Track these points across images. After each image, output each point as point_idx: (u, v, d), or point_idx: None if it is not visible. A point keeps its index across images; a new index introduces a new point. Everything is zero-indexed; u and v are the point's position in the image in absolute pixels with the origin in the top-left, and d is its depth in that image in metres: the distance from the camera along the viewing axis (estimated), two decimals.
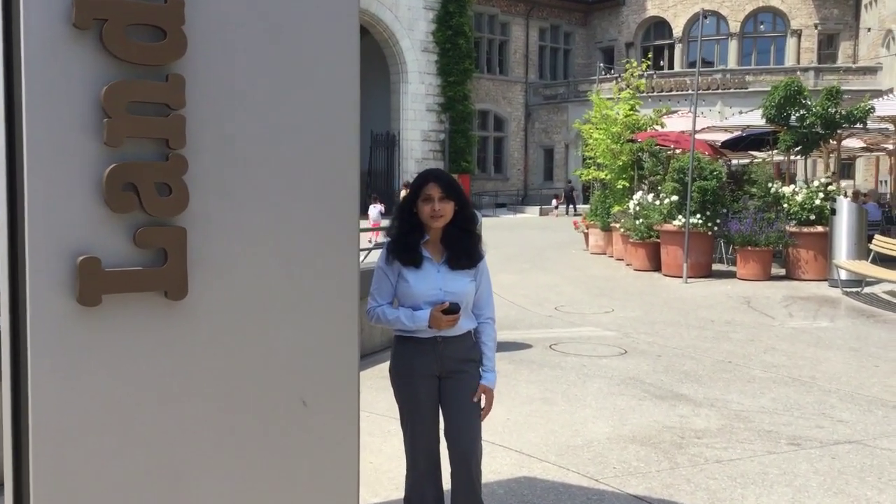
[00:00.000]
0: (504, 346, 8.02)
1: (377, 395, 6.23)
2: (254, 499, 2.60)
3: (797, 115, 13.54)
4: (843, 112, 13.34)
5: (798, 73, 34.68)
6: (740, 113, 25.85)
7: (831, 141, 14.57)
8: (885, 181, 30.24)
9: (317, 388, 2.72)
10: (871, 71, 36.87)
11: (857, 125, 13.59)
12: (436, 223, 3.29)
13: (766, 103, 14.04)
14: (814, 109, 13.41)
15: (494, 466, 4.77)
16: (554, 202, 40.36)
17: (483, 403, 3.43)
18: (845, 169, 29.63)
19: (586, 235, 19.44)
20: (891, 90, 31.32)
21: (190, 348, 2.47)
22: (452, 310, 3.24)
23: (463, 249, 3.35)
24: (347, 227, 2.75)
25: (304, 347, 2.69)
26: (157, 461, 2.43)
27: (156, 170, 2.35)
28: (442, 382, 3.38)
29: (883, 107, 13.94)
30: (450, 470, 3.38)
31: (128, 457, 2.38)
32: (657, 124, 18.10)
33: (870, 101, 13.61)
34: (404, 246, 3.32)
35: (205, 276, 2.47)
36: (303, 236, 2.66)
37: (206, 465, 2.51)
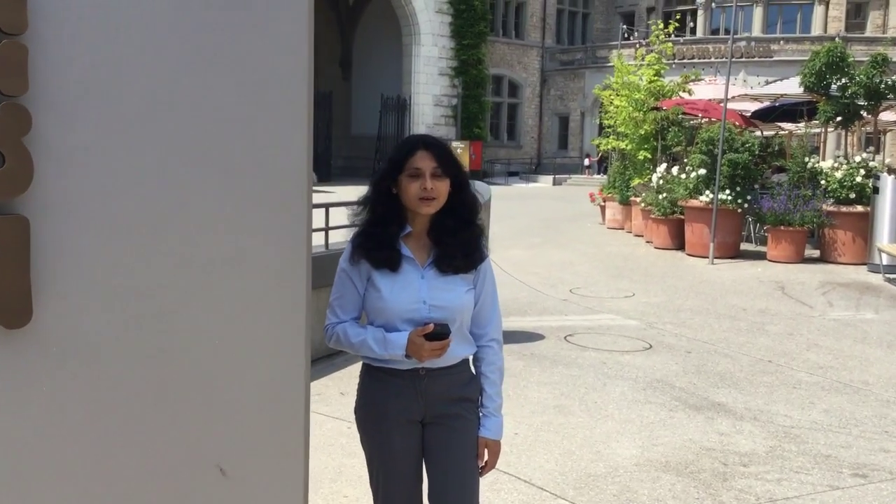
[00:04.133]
0: (513, 337, 7.15)
1: None
2: None
3: (838, 84, 12.47)
4: (889, 82, 12.26)
5: (825, 42, 33.30)
6: (767, 83, 24.73)
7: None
8: None
9: (244, 444, 1.83)
10: None
11: None
12: (426, 208, 2.34)
13: (805, 70, 12.95)
14: (857, 78, 12.33)
15: None
16: (586, 160, 39.34)
17: (483, 460, 2.52)
18: (872, 143, 28.36)
19: (603, 208, 18.46)
20: None
21: (38, 399, 1.58)
22: (439, 334, 2.31)
23: (458, 246, 2.40)
24: (293, 210, 1.82)
25: (224, 385, 1.80)
26: None
27: None
28: (426, 429, 2.47)
29: None
30: None
31: None
32: (684, 91, 16.98)
33: None
34: (377, 240, 2.38)
35: (60, 290, 1.58)
36: (219, 224, 1.74)
37: None
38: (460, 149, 35.99)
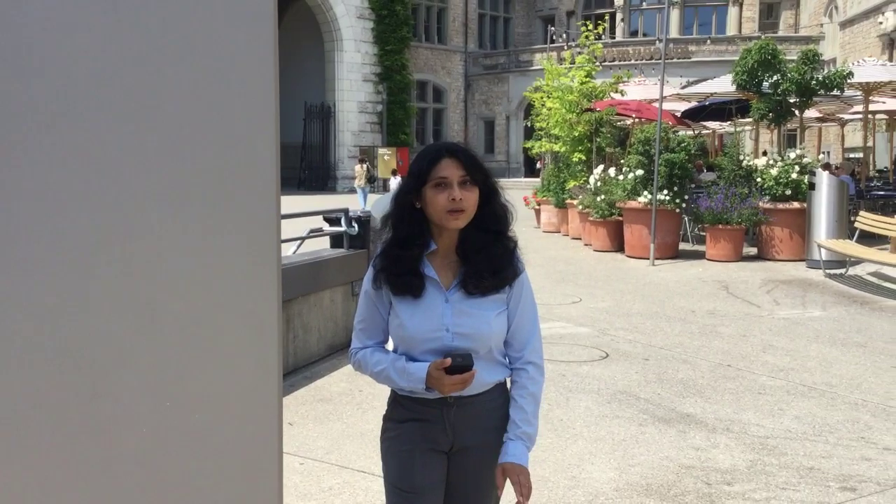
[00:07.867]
0: None
1: (315, 430, 4.93)
2: None
3: (770, 81, 12.51)
4: (820, 78, 12.35)
5: (740, 42, 34.00)
6: (688, 83, 25.01)
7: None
8: (827, 152, 29.81)
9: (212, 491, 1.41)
10: (814, 40, 36.37)
11: (835, 92, 12.60)
12: (454, 221, 2.09)
13: (737, 68, 12.98)
14: (789, 75, 12.38)
15: None
16: (538, 164, 39.20)
17: (502, 490, 2.21)
18: (790, 140, 28.99)
19: (537, 212, 18.29)
20: (833, 60, 30.96)
21: None
22: (460, 367, 2.05)
23: (487, 263, 2.14)
24: (263, 221, 1.41)
25: (179, 437, 1.37)
26: None
27: None
28: (451, 460, 2.23)
29: (860, 73, 12.99)
30: None
31: None
32: (616, 92, 16.91)
33: (847, 67, 12.65)
34: (399, 263, 2.13)
35: None
36: (177, 234, 1.32)
37: None
38: (387, 156, 35.59)
